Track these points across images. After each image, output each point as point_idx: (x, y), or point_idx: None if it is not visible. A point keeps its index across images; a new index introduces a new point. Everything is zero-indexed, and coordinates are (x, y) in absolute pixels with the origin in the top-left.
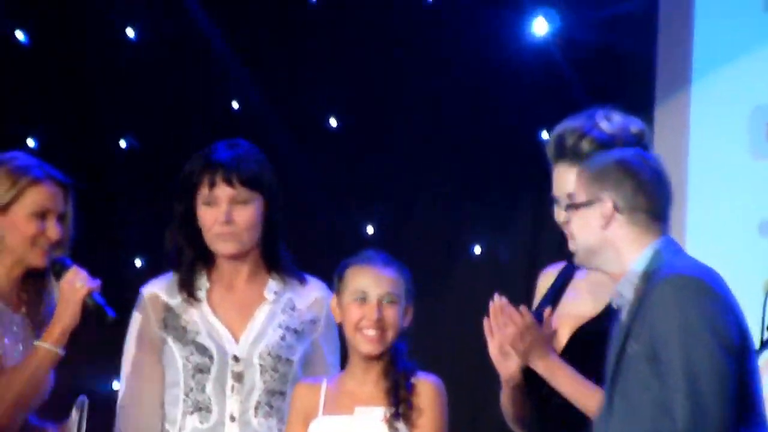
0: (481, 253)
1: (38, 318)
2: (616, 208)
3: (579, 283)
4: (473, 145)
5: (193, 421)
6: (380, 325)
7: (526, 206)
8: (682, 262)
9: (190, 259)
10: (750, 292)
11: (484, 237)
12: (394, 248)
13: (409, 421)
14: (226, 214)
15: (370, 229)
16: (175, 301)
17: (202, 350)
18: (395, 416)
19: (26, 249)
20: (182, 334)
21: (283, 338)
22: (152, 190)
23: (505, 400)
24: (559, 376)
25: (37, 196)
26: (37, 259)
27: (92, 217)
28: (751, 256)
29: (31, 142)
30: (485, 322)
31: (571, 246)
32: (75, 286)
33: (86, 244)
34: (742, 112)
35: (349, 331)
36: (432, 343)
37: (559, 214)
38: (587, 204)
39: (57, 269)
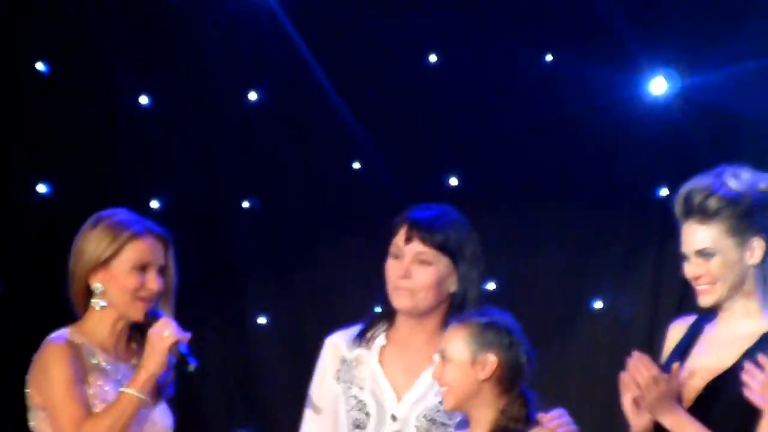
0: (603, 308)
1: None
2: None
3: (709, 337)
4: (595, 202)
5: None
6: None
7: (646, 263)
8: None
9: (375, 314)
10: None
11: (605, 292)
12: (517, 305)
13: None
14: (405, 269)
15: (491, 285)
16: (352, 354)
17: (362, 406)
18: None
19: (127, 302)
20: (348, 388)
21: (441, 403)
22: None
23: None
24: (687, 430)
25: (136, 250)
26: (137, 313)
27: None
28: None
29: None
30: (622, 375)
31: (703, 302)
32: (162, 335)
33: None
34: None
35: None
36: (554, 397)
37: (688, 270)
38: (733, 248)
39: (148, 320)
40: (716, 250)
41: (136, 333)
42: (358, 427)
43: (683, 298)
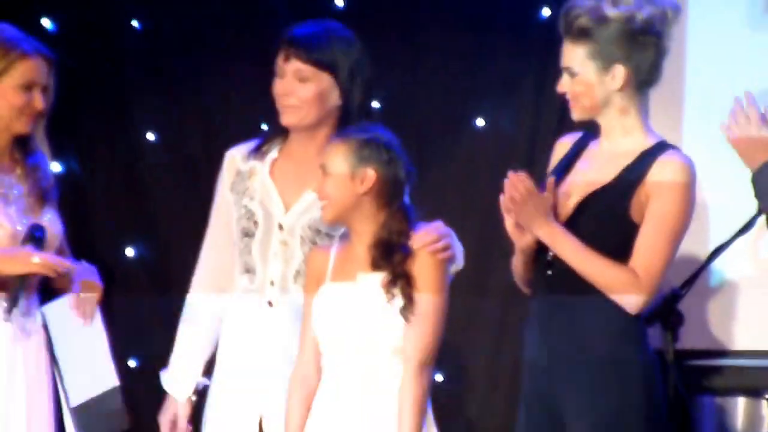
0: (484, 125)
1: (32, 178)
2: None
3: (592, 153)
4: (479, 23)
5: (243, 280)
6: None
7: (528, 82)
8: None
9: (270, 130)
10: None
11: (487, 110)
12: (400, 123)
13: (405, 288)
14: (285, 88)
15: (376, 104)
16: (246, 166)
17: (251, 215)
18: (391, 282)
19: (12, 118)
20: (240, 198)
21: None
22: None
23: (517, 263)
24: (560, 242)
25: (25, 69)
26: (22, 127)
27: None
28: None
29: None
30: (501, 197)
31: (575, 115)
32: (31, 260)
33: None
34: None
35: None
36: (436, 212)
37: (563, 85)
38: None
39: (34, 237)
40: (578, 70)
41: (18, 147)
42: (246, 235)
43: (563, 118)
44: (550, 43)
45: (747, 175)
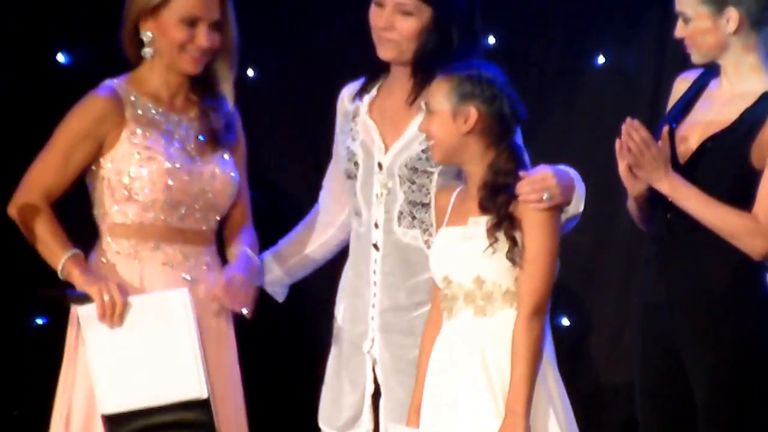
0: (606, 63)
1: (205, 121)
2: None
3: (713, 93)
4: None
5: (354, 222)
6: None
7: (651, 19)
8: None
9: (372, 66)
10: None
11: (609, 48)
12: (516, 60)
13: (509, 232)
14: (386, 20)
15: (491, 40)
16: (352, 106)
17: (351, 156)
18: (495, 226)
19: (175, 56)
20: (345, 139)
21: (424, 151)
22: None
23: (632, 206)
24: (681, 194)
25: (186, 2)
26: (189, 67)
27: None
28: None
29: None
30: (617, 142)
31: (694, 59)
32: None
33: None
34: None
35: None
36: (558, 155)
37: (680, 30)
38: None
39: (74, 300)
40: (691, 15)
41: (198, 86)
42: (349, 177)
43: (688, 55)
44: None
45: None
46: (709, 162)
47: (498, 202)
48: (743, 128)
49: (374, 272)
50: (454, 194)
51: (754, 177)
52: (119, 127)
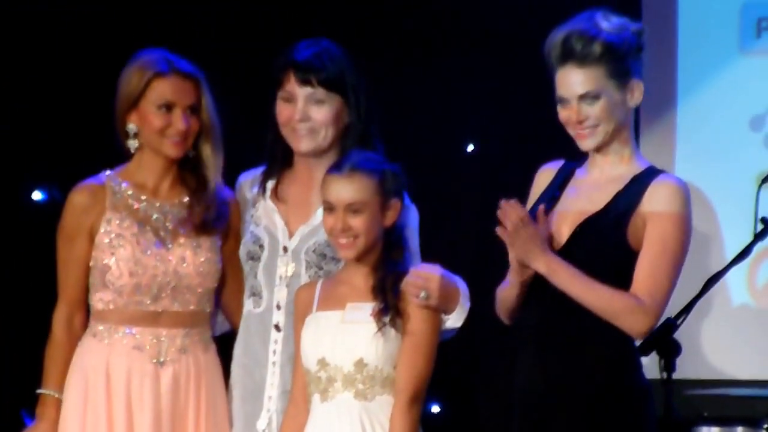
0: (474, 150)
1: (202, 203)
2: None
3: (579, 181)
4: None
5: (249, 304)
6: (350, 233)
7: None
8: None
9: (274, 155)
10: (742, 186)
11: (477, 134)
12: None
13: (395, 320)
14: (302, 112)
15: None
16: (252, 193)
17: (256, 239)
18: (383, 311)
19: (158, 142)
20: (248, 225)
21: None
22: None
23: (511, 295)
24: (559, 272)
25: (159, 89)
26: (169, 150)
27: None
28: (743, 151)
29: None
30: (499, 230)
31: (588, 144)
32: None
33: None
34: (731, 7)
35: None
36: (430, 240)
37: (570, 115)
38: None
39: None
40: (601, 92)
41: (187, 172)
42: (252, 258)
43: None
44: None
45: (742, 199)
46: (585, 246)
47: (387, 290)
48: (617, 211)
49: (273, 352)
50: (319, 285)
51: (631, 259)
52: (101, 215)
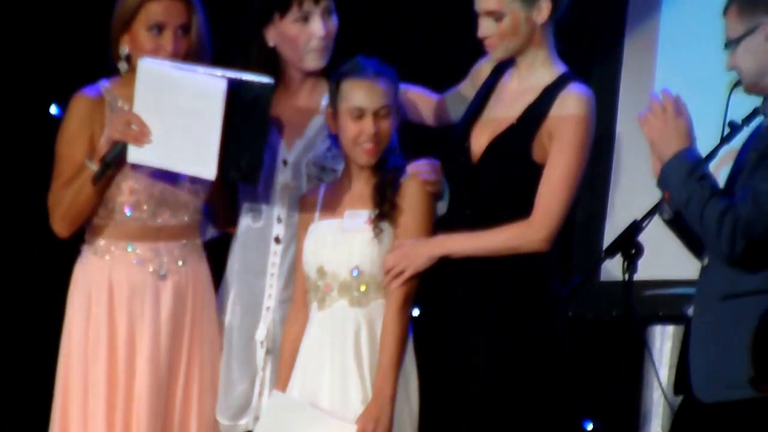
0: None
1: None
2: None
3: (505, 87)
4: None
5: (246, 219)
6: (377, 138)
7: None
8: None
9: (264, 71)
10: (716, 93)
11: None
12: None
13: (392, 220)
14: (323, 27)
15: None
16: None
17: None
18: (379, 217)
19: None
20: None
21: (329, 149)
22: None
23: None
24: (455, 247)
25: (150, 11)
26: None
27: None
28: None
29: None
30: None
31: (496, 55)
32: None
33: None
34: None
35: (346, 144)
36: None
37: (480, 30)
38: (749, 33)
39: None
40: (505, 11)
41: None
42: None
43: None
44: None
45: (720, 107)
46: (496, 161)
47: (387, 195)
48: (525, 125)
49: (273, 264)
50: (321, 190)
51: (536, 174)
52: (100, 128)
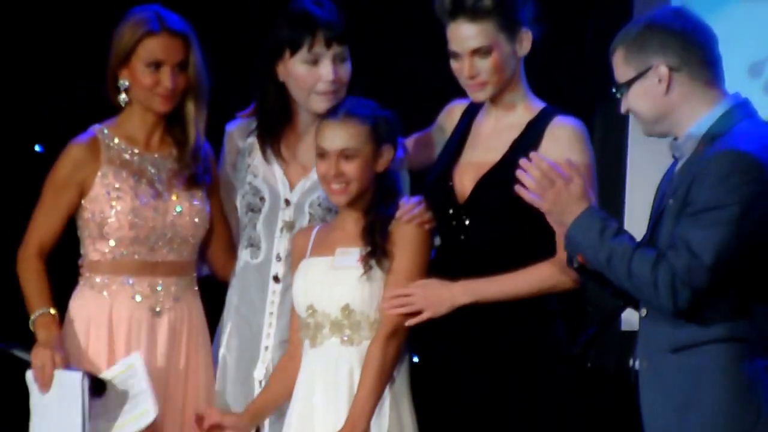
0: None
1: (183, 160)
2: (671, 69)
3: (478, 129)
4: None
5: (245, 254)
6: (344, 179)
7: None
8: (747, 131)
9: (273, 112)
10: None
11: None
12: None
13: (382, 262)
14: (333, 72)
15: None
16: (245, 143)
17: (256, 191)
18: (370, 255)
19: (147, 98)
20: (244, 175)
21: None
22: None
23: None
24: (483, 292)
25: (149, 48)
26: (158, 105)
27: None
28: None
29: None
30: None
31: (482, 96)
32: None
33: None
34: None
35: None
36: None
37: (462, 69)
38: (640, 76)
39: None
40: (493, 46)
41: (175, 127)
42: (252, 210)
43: None
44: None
45: None
46: (488, 201)
47: (377, 233)
48: (513, 161)
49: (272, 303)
50: (314, 231)
51: (531, 207)
52: (95, 170)
